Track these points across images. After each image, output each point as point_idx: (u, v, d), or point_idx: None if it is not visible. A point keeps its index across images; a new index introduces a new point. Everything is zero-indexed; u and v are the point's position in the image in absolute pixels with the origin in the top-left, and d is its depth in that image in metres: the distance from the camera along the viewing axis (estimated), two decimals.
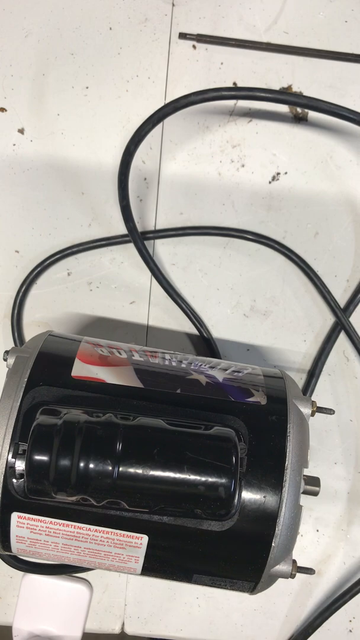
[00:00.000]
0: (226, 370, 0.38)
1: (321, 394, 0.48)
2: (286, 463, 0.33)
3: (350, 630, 0.48)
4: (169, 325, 0.50)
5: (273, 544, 0.33)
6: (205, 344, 0.49)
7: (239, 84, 0.49)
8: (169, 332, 0.49)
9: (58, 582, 0.47)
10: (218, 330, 0.49)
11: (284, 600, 0.48)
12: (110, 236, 0.49)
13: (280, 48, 0.49)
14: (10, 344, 0.49)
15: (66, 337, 0.39)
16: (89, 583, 0.48)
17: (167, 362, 0.37)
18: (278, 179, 0.49)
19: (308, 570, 0.39)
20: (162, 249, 0.49)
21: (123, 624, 0.49)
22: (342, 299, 0.49)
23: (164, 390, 0.35)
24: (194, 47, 0.49)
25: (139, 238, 0.47)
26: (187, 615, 0.49)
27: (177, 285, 0.49)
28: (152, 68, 0.49)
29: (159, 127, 0.49)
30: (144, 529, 0.33)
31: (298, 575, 0.44)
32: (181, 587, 0.48)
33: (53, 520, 0.33)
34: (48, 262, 0.49)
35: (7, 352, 0.36)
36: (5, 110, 0.49)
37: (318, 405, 0.37)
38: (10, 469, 0.32)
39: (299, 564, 0.37)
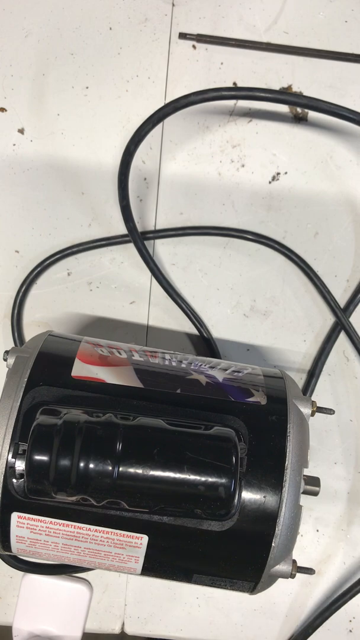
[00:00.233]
0: (226, 370, 0.38)
1: (321, 394, 0.48)
2: (286, 463, 0.33)
3: (350, 630, 0.48)
4: (169, 325, 0.50)
5: (273, 544, 0.33)
6: (205, 344, 0.49)
7: (239, 84, 0.49)
8: (169, 332, 0.49)
9: (58, 582, 0.47)
10: (218, 330, 0.49)
11: (284, 600, 0.48)
12: (110, 236, 0.49)
13: (280, 48, 0.49)
14: (10, 344, 0.49)
15: (66, 337, 0.39)
16: (89, 583, 0.48)
17: (167, 362, 0.37)
18: (278, 179, 0.49)
19: (308, 570, 0.39)
20: (162, 249, 0.49)
21: (123, 624, 0.49)
22: (342, 299, 0.49)
23: (164, 390, 0.35)
24: (194, 47, 0.49)
25: (139, 238, 0.47)
26: (187, 615, 0.48)
27: (177, 285, 0.49)
28: (152, 68, 0.49)
29: (159, 127, 0.49)
30: (144, 529, 0.33)
31: (298, 575, 0.44)
32: (181, 587, 0.48)
33: (53, 520, 0.33)
34: (48, 262, 0.49)
35: (7, 352, 0.36)
36: (5, 110, 0.49)
37: (318, 405, 0.37)
38: (10, 469, 0.32)
39: (299, 564, 0.37)
